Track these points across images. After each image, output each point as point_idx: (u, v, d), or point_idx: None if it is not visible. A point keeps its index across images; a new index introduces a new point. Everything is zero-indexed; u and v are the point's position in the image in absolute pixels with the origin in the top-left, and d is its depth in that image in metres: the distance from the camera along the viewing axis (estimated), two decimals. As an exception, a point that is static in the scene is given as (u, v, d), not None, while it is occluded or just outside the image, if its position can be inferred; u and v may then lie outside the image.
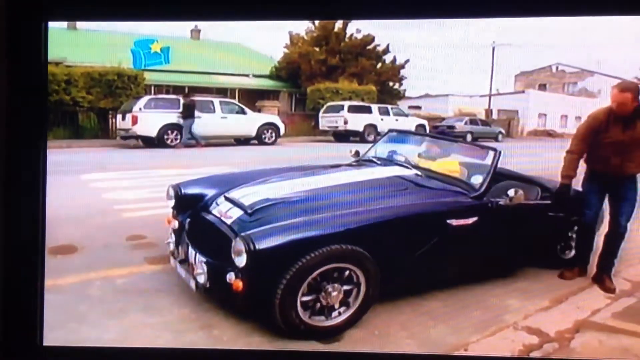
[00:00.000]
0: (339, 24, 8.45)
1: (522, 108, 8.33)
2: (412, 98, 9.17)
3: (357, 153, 4.33)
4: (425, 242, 3.30)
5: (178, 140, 6.92)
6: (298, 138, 7.97)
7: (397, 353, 3.14)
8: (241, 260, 2.88)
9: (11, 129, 3.17)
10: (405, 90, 8.62)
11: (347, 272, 3.08)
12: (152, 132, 6.81)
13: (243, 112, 7.54)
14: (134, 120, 6.82)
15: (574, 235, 4.20)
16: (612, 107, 3.75)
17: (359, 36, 8.45)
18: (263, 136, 7.41)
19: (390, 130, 4.37)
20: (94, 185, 5.48)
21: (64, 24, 6.95)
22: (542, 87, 8.25)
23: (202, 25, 8.21)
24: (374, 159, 4.16)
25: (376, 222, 3.15)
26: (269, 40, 8.16)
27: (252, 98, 8.42)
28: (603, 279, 3.85)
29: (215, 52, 8.46)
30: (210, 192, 3.69)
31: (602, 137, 3.79)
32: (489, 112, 8.58)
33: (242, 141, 7.42)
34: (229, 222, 3.29)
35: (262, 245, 2.86)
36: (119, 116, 7.03)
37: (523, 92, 8.36)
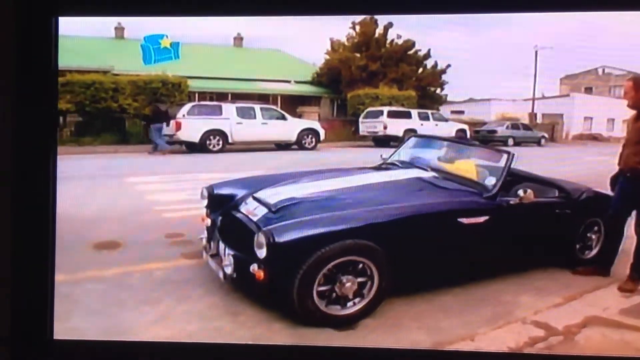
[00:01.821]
0: (379, 29, 8.52)
1: (567, 112, 8.25)
2: (455, 103, 9.21)
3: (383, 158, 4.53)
4: (437, 239, 3.48)
5: (220, 146, 7.20)
6: (338, 143, 8.10)
7: (404, 349, 3.24)
8: (262, 252, 3.14)
9: (21, 125, 3.26)
10: (446, 95, 8.69)
11: (360, 265, 3.29)
12: (195, 138, 7.10)
13: (283, 117, 7.72)
14: (178, 126, 7.08)
15: (594, 236, 4.29)
16: None
17: (400, 42, 8.49)
18: (303, 141, 7.61)
19: (412, 136, 4.57)
20: (138, 188, 5.79)
21: (112, 32, 7.39)
22: (588, 90, 8.13)
23: (244, 32, 8.54)
24: (396, 163, 4.36)
25: (389, 219, 3.34)
26: (310, 47, 8.32)
27: (293, 104, 8.58)
28: (627, 279, 3.88)
29: (257, 59, 8.76)
30: (240, 193, 3.95)
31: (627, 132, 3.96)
32: (532, 116, 8.51)
33: (283, 146, 7.62)
34: (255, 219, 3.55)
35: (281, 238, 3.11)
36: (164, 123, 7.33)
37: (568, 95, 8.28)
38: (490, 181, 3.79)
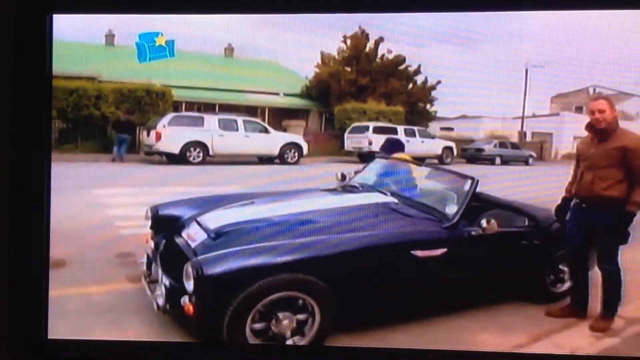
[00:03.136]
0: (370, 44, 8.43)
1: (557, 130, 8.15)
2: (445, 119, 9.06)
3: (343, 176, 4.31)
4: (388, 273, 3.24)
5: (201, 158, 7.04)
6: (323, 158, 7.98)
7: (402, 348, 3.24)
8: (190, 285, 2.92)
9: (16, 128, 3.32)
10: (436, 112, 8.53)
11: (300, 301, 3.06)
12: (175, 149, 6.96)
13: (266, 131, 7.62)
14: (158, 137, 6.96)
15: (566, 268, 4.04)
16: (588, 123, 3.66)
17: (390, 56, 8.40)
18: (286, 155, 7.46)
19: (376, 156, 4.35)
20: (102, 201, 5.61)
21: (102, 39, 7.23)
22: (579, 109, 8.02)
23: (235, 43, 8.39)
24: (357, 185, 4.14)
25: (333, 252, 3.12)
26: (301, 59, 8.20)
27: (282, 116, 8.50)
28: (598, 318, 3.68)
29: (248, 70, 8.62)
30: (187, 214, 3.74)
31: (579, 153, 3.77)
32: (522, 134, 8.41)
33: (265, 160, 7.47)
34: (193, 245, 3.34)
35: (209, 271, 2.89)
36: (144, 132, 7.19)
37: (558, 114, 8.17)
38: (451, 209, 3.55)
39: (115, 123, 7.05)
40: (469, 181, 3.64)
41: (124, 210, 5.42)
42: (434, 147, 8.24)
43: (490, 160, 8.13)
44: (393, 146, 4.69)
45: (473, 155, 8.47)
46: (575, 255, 3.79)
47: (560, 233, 3.91)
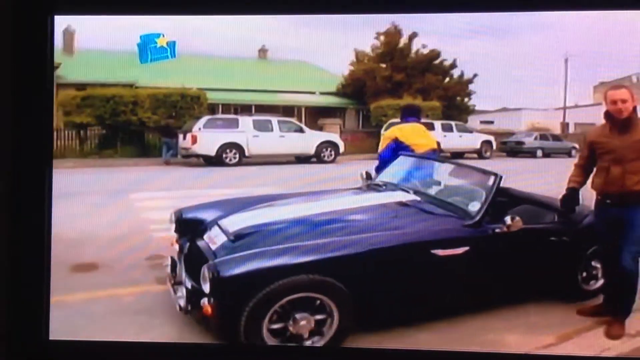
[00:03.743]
0: (404, 39, 8.36)
1: (600, 120, 7.94)
2: (485, 113, 8.91)
3: (368, 175, 4.28)
4: (407, 273, 3.20)
5: (237, 159, 7.10)
6: (360, 156, 7.93)
7: (405, 349, 3.20)
8: (207, 287, 2.95)
9: (16, 129, 3.36)
10: (474, 105, 8.40)
11: (318, 302, 3.05)
12: (211, 151, 7.03)
13: (301, 130, 7.62)
14: (194, 140, 7.04)
15: (600, 265, 3.91)
16: (607, 112, 3.52)
17: (425, 51, 8.31)
18: (322, 154, 7.48)
19: (401, 154, 4.29)
20: (138, 205, 5.71)
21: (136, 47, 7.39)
22: (623, 98, 7.80)
23: (269, 44, 8.44)
24: (381, 184, 4.10)
25: (349, 253, 3.10)
26: (335, 57, 8.20)
27: (318, 115, 8.50)
28: (611, 322, 3.50)
29: (282, 71, 8.66)
30: (210, 217, 3.78)
31: (599, 146, 3.54)
32: (564, 125, 8.20)
33: (302, 159, 7.49)
34: (214, 248, 3.38)
35: (226, 273, 2.92)
36: (181, 136, 7.29)
37: (601, 104, 7.93)
38: (474, 206, 3.47)
39: (159, 128, 7.19)
40: (492, 177, 3.56)
41: (160, 213, 5.52)
42: (473, 141, 8.10)
43: (531, 153, 7.95)
44: (406, 113, 4.63)
45: (513, 148, 8.24)
46: (609, 254, 3.60)
47: (591, 228, 3.78)
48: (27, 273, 3.39)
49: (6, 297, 3.36)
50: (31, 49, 3.33)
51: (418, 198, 3.75)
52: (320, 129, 8.18)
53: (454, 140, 7.74)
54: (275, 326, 3.00)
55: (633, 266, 3.41)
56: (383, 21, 7.09)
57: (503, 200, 3.94)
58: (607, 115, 3.49)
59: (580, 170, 3.65)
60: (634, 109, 3.42)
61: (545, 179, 4.47)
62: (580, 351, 3.32)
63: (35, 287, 3.39)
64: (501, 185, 3.74)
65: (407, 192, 3.84)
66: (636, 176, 3.37)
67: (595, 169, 3.58)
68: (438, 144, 6.96)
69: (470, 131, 8.23)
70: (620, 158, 3.41)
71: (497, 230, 3.42)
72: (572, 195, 3.65)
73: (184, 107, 7.51)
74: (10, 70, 3.31)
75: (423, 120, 7.71)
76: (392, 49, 8.18)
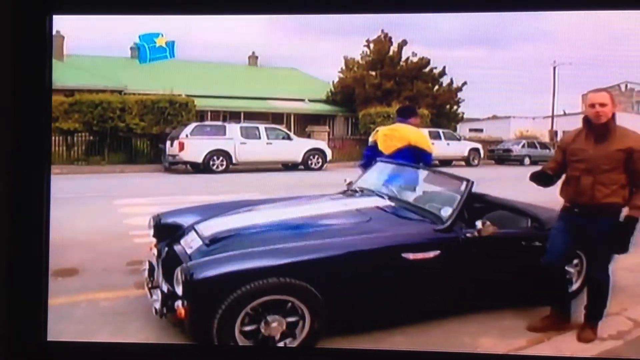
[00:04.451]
0: (394, 47, 8.42)
1: (590, 129, 8.02)
2: (474, 120, 8.97)
3: (350, 183, 4.31)
4: (378, 277, 3.22)
5: (224, 166, 7.14)
6: (348, 163, 7.96)
7: (404, 351, 3.20)
8: (179, 289, 2.98)
9: (15, 130, 3.33)
10: (463, 113, 8.46)
11: (289, 305, 3.07)
12: (198, 158, 7.09)
13: (289, 137, 7.67)
14: (181, 147, 7.09)
15: (573, 270, 3.92)
16: (585, 117, 3.26)
17: (415, 59, 8.38)
18: (309, 162, 7.54)
19: (377, 160, 4.32)
20: (121, 211, 5.73)
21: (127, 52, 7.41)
22: (611, 106, 7.89)
23: (259, 51, 8.51)
24: (357, 189, 4.13)
25: (320, 256, 3.11)
26: (325, 65, 8.27)
27: (307, 122, 8.55)
28: (584, 327, 3.42)
29: (272, 78, 8.73)
30: (188, 222, 3.79)
31: (572, 153, 3.30)
32: (552, 133, 8.27)
33: (289, 166, 7.55)
34: (189, 252, 3.39)
35: (198, 275, 2.93)
36: (168, 142, 7.32)
37: (589, 113, 8.02)
38: (446, 212, 3.49)
39: (159, 135, 7.30)
40: (464, 183, 3.58)
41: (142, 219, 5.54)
42: (460, 149, 8.22)
43: (519, 161, 8.06)
44: (397, 114, 4.67)
45: (501, 156, 8.42)
46: (552, 264, 3.44)
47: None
48: (26, 274, 3.38)
49: (6, 298, 3.34)
50: (30, 49, 3.32)
51: (393, 203, 3.77)
52: (309, 136, 8.23)
53: (442, 148, 7.77)
54: (247, 328, 3.01)
55: (602, 276, 3.33)
56: (373, 28, 7.18)
57: (479, 206, 3.98)
58: (585, 120, 3.25)
59: (554, 164, 3.50)
60: (613, 115, 3.17)
61: (531, 185, 4.48)
62: (552, 354, 3.34)
63: (34, 288, 3.39)
64: (489, 193, 3.74)
65: (383, 197, 3.87)
66: (607, 188, 3.20)
67: (564, 176, 3.39)
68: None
69: (459, 139, 8.29)
70: (592, 168, 3.20)
71: (468, 235, 3.44)
72: (542, 174, 3.43)
73: (172, 113, 7.56)
74: (10, 70, 3.31)
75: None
76: (382, 56, 8.26)
